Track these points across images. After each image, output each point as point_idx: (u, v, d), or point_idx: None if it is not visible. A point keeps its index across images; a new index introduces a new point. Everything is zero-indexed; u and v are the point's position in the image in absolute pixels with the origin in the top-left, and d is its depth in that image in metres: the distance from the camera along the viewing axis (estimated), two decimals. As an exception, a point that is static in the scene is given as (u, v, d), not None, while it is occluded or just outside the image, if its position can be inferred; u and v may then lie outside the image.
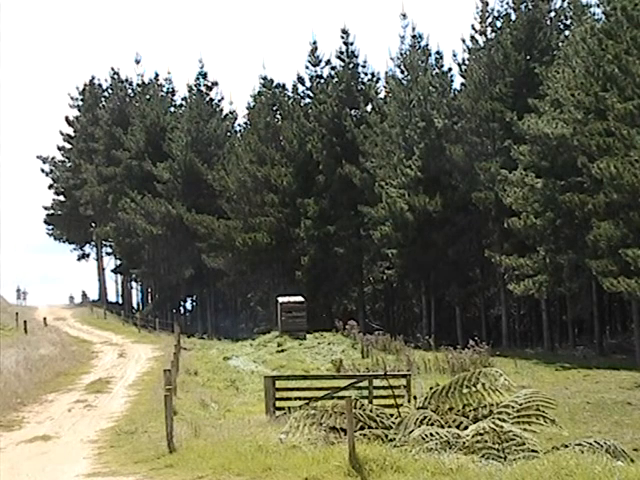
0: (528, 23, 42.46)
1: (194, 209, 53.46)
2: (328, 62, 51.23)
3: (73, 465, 13.01)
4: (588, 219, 33.68)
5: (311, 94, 52.29)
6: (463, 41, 45.39)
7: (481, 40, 44.10)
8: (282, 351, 34.66)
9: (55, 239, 72.70)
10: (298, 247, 48.64)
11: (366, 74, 51.09)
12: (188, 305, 64.25)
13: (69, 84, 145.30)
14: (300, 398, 17.47)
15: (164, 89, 64.46)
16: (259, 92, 53.13)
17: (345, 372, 26.82)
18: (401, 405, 14.12)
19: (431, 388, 13.95)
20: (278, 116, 52.98)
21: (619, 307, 44.43)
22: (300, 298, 39.03)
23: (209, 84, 59.44)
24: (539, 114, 36.91)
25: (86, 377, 26.29)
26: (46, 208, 72.47)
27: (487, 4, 43.61)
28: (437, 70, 47.20)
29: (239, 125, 61.75)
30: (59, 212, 71.84)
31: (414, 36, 47.26)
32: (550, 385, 26.01)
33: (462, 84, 45.62)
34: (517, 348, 39.82)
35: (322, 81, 51.38)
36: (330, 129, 48.40)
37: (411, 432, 11.65)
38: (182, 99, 63.01)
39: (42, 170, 72.39)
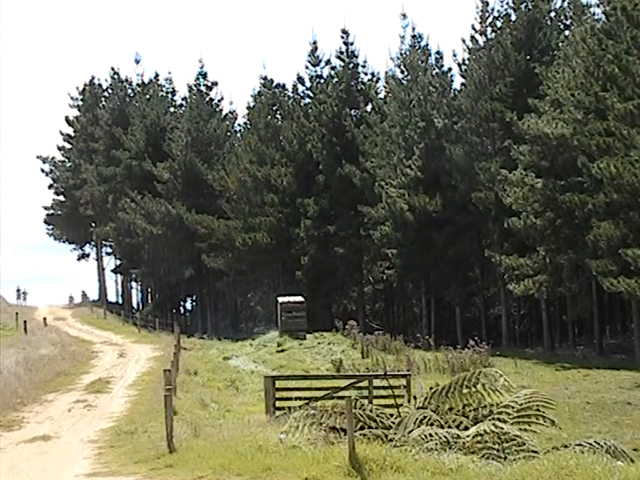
0: (528, 23, 42.44)
1: (194, 209, 53.46)
2: (328, 62, 51.26)
3: (73, 465, 13.01)
4: (588, 219, 33.65)
5: (311, 94, 52.24)
6: (463, 41, 45.46)
7: (481, 40, 44.12)
8: (282, 351, 34.63)
9: (55, 239, 72.75)
10: (298, 247, 48.64)
11: (366, 74, 51.15)
12: (188, 305, 64.34)
13: (69, 84, 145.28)
14: (300, 398, 17.42)
15: (164, 89, 64.47)
16: (259, 92, 53.19)
17: (345, 372, 26.80)
18: (401, 405, 14.12)
19: (431, 388, 13.93)
20: (278, 116, 53.00)
21: (619, 307, 44.39)
22: (300, 298, 39.01)
23: (209, 84, 59.48)
24: (539, 114, 36.89)
25: (86, 377, 26.27)
26: (46, 208, 72.52)
27: (487, 4, 43.66)
28: (437, 70, 47.20)
29: (239, 125, 61.89)
30: (59, 212, 71.85)
31: (414, 36, 47.29)
32: (550, 385, 26.00)
33: (462, 84, 45.66)
34: (517, 348, 39.81)
35: (322, 81, 51.32)
36: (330, 129, 48.36)
37: (411, 432, 11.65)
38: (182, 99, 63.15)
39: (42, 170, 72.40)
